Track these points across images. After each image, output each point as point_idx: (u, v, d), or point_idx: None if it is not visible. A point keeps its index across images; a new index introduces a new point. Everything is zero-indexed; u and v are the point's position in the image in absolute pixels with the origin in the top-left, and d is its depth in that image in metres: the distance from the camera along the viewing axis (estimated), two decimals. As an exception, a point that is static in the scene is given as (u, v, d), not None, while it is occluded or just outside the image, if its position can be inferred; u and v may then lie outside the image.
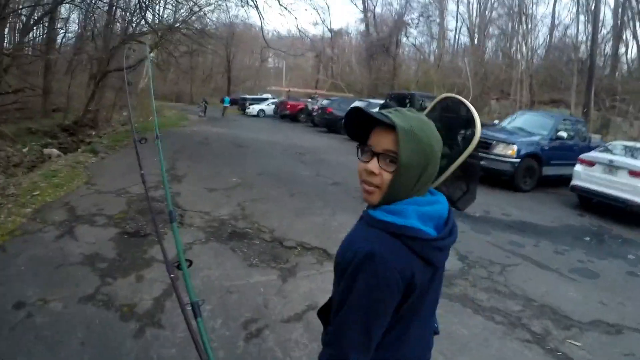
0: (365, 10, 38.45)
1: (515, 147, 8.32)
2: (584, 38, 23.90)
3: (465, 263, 4.30)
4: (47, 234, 4.23)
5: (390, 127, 0.90)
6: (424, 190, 0.97)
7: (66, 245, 3.98)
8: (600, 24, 21.71)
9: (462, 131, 1.24)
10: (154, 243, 4.05)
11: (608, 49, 23.22)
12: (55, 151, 10.65)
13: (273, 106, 29.34)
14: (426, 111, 1.26)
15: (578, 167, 7.49)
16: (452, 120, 1.26)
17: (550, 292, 3.82)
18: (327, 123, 18.75)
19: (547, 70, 24.94)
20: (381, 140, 0.92)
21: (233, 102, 32.16)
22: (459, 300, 3.47)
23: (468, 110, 1.24)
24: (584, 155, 7.57)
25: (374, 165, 0.93)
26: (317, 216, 5.48)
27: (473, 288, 3.75)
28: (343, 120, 1.04)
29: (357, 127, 0.98)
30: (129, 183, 6.11)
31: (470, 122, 1.21)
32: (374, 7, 38.33)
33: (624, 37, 22.64)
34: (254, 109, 29.89)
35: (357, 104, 16.40)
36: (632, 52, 23.06)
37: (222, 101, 28.49)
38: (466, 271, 4.11)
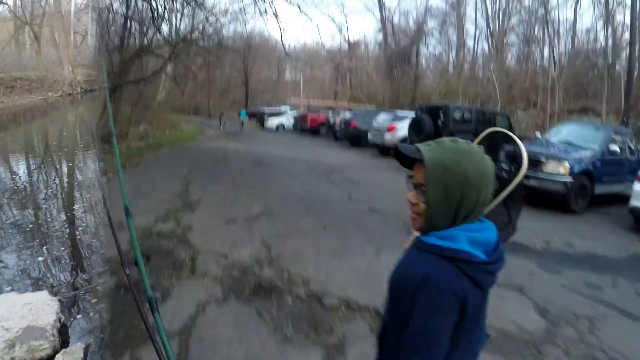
0: (383, 20, 37.73)
1: (567, 164, 7.27)
2: (610, 43, 22.78)
3: (548, 320, 3.54)
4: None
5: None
6: (473, 218, 0.96)
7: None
8: (623, 28, 20.83)
9: (508, 164, 1.21)
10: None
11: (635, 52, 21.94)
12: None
13: (292, 119, 28.17)
14: (474, 142, 1.14)
15: (637, 186, 6.50)
16: (497, 152, 1.19)
17: (654, 354, 3.10)
18: (352, 137, 17.68)
19: (574, 78, 23.69)
20: (417, 173, 0.96)
21: (251, 115, 31.34)
22: (559, 380, 2.71)
23: (515, 144, 1.18)
24: None
25: (411, 195, 0.98)
26: (358, 258, 4.51)
27: (568, 358, 2.99)
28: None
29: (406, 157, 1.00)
30: (135, 211, 5.23)
31: (517, 155, 1.16)
32: (392, 17, 37.60)
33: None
34: (272, 122, 28.59)
35: (382, 116, 15.68)
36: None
37: (239, 114, 27.54)
38: (553, 332, 3.35)
